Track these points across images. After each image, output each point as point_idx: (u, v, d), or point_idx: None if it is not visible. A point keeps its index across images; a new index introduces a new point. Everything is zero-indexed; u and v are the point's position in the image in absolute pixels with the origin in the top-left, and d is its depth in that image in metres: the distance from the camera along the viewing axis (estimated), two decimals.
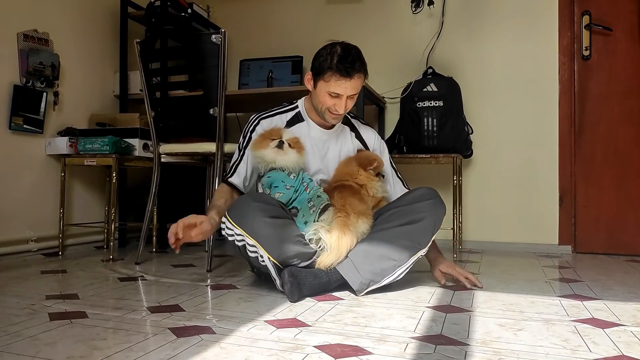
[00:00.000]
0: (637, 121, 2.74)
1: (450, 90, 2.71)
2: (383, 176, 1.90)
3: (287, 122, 1.90)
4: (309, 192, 1.70)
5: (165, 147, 2.31)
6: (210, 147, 2.19)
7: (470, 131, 2.80)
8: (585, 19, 2.81)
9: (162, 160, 2.35)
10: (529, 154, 2.90)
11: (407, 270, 1.68)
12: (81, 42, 2.86)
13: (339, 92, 1.75)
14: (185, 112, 2.35)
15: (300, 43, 3.31)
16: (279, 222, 1.59)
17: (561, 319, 1.37)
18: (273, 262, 1.58)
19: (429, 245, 1.71)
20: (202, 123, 2.20)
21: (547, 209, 2.86)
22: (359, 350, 1.08)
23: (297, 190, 1.70)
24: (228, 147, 2.20)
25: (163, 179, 2.59)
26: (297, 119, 1.93)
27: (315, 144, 1.89)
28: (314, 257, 1.64)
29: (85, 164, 2.55)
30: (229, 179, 1.86)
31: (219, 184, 2.12)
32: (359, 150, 1.94)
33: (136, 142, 2.65)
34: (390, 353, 1.07)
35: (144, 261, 2.33)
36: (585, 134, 2.84)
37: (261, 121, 1.89)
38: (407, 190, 1.94)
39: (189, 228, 1.58)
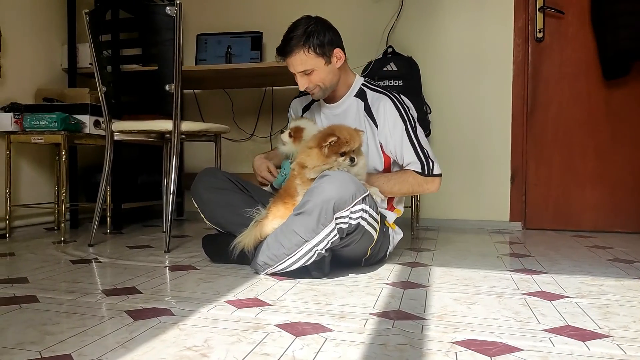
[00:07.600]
0: (585, 103, 2.86)
1: (409, 69, 2.73)
2: (353, 159, 1.57)
3: (312, 100, 1.98)
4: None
5: (118, 125, 2.22)
6: (166, 125, 2.11)
7: (428, 111, 2.84)
8: (539, 2, 2.88)
9: (115, 138, 2.25)
10: (484, 134, 2.97)
11: (303, 261, 1.51)
12: (25, 11, 2.68)
13: (290, 70, 1.77)
14: (139, 88, 2.25)
15: (260, 18, 3.23)
16: (217, 192, 1.78)
17: (512, 292, 1.43)
18: (212, 226, 1.81)
19: (319, 239, 1.47)
20: (158, 99, 2.12)
21: (499, 187, 2.97)
22: (319, 328, 1.10)
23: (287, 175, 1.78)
24: (185, 125, 2.13)
25: (117, 157, 2.50)
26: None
27: (331, 120, 1.87)
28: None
29: (32, 141, 2.42)
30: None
31: (176, 162, 2.08)
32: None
33: (86, 119, 2.53)
34: (350, 329, 1.09)
35: (98, 243, 2.26)
36: (536, 114, 2.95)
37: (293, 100, 2.06)
38: (405, 168, 1.79)
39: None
